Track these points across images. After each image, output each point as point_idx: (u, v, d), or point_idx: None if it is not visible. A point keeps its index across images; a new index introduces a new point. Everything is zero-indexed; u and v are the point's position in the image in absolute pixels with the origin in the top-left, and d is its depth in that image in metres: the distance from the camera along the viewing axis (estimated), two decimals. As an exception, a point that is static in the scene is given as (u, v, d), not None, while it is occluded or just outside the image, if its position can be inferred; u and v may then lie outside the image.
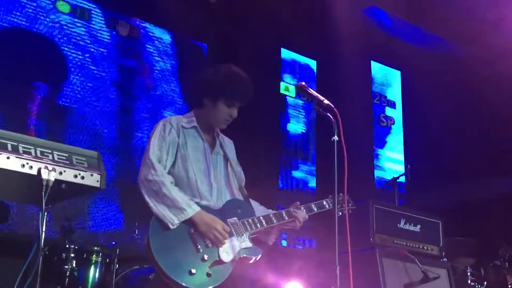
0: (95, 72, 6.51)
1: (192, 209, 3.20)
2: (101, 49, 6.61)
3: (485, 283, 5.63)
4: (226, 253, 3.23)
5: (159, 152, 3.32)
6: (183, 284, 3.08)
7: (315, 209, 3.66)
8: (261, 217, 3.44)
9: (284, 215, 3.51)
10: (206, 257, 3.18)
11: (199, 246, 3.19)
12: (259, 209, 3.60)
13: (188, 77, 7.04)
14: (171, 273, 3.07)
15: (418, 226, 5.11)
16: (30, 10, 6.14)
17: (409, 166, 6.12)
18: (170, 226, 3.16)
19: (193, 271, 3.11)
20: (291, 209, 3.55)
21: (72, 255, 4.85)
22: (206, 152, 3.46)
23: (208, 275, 3.15)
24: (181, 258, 3.13)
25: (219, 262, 3.20)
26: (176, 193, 3.22)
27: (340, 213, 3.45)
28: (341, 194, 3.51)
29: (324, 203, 3.70)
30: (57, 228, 5.35)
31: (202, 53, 7.54)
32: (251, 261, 3.34)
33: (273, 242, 3.60)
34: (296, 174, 8.14)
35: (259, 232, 3.44)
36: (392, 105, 9.44)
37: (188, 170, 3.35)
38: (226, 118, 3.47)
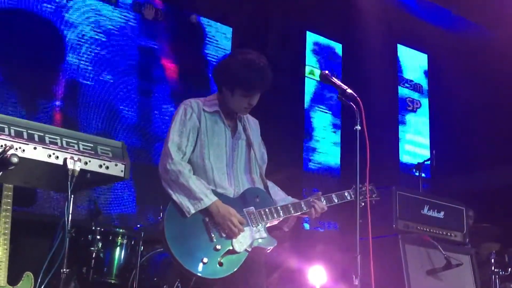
0: (117, 53, 6.56)
1: (208, 199, 3.19)
2: (127, 31, 6.65)
3: (510, 269, 5.59)
4: (239, 243, 3.22)
5: (179, 139, 3.30)
6: (194, 273, 3.10)
7: (336, 200, 3.58)
8: (278, 207, 3.40)
9: (302, 206, 3.46)
10: (219, 246, 3.17)
11: (213, 236, 3.19)
12: (279, 194, 3.56)
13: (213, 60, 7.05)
14: (183, 261, 3.10)
15: (442, 213, 5.08)
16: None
17: (434, 151, 6.06)
18: (187, 214, 3.17)
19: (205, 260, 3.12)
20: (311, 200, 3.49)
21: (98, 237, 4.94)
22: (227, 137, 3.43)
23: (220, 264, 3.16)
24: (194, 246, 3.14)
25: (232, 251, 3.20)
26: (194, 181, 3.21)
27: (363, 204, 3.41)
28: (364, 185, 3.46)
29: (346, 194, 3.61)
30: (83, 210, 5.44)
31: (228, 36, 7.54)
32: (266, 251, 3.33)
33: (289, 228, 3.56)
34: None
35: (277, 222, 3.42)
36: (419, 88, 9.36)
37: (204, 158, 3.33)
38: (245, 106, 3.42)
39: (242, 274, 3.20)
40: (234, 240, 3.21)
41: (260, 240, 3.29)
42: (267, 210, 3.36)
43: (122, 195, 6.29)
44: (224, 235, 3.21)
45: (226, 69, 3.41)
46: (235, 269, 3.19)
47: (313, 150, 8.09)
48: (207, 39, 7.29)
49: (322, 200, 3.53)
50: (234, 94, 3.37)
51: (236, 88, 3.35)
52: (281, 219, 3.42)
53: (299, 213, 3.46)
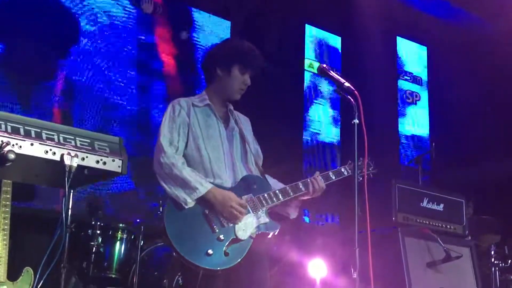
0: (116, 47, 6.55)
1: (204, 187, 3.20)
2: (125, 25, 6.64)
3: (510, 261, 5.59)
4: (242, 230, 3.22)
5: (169, 135, 3.32)
6: (202, 266, 3.10)
7: (333, 177, 3.59)
8: (277, 191, 3.41)
9: (300, 186, 3.46)
10: (222, 236, 3.18)
11: (215, 226, 3.19)
12: (278, 185, 3.54)
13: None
14: (189, 256, 3.10)
15: (441, 205, 5.08)
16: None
17: (434, 143, 6.06)
18: (184, 206, 3.17)
19: (210, 252, 3.12)
20: (308, 179, 3.50)
21: (98, 231, 4.95)
22: (220, 129, 3.45)
23: (226, 254, 3.16)
24: (197, 240, 3.14)
25: (236, 240, 3.20)
26: (188, 172, 3.22)
27: (361, 178, 3.35)
28: (361, 159, 3.40)
29: (343, 170, 3.63)
30: (83, 204, 5.45)
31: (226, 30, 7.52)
32: (269, 236, 3.33)
33: (295, 216, 3.56)
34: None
35: (276, 206, 3.42)
36: (418, 81, 9.35)
37: (201, 149, 3.34)
38: (241, 86, 3.47)
39: (245, 267, 3.21)
40: (236, 228, 3.21)
41: (263, 226, 3.30)
42: (265, 195, 3.37)
43: (122, 188, 6.29)
44: (225, 225, 3.21)
45: (221, 49, 3.52)
46: (242, 257, 3.19)
47: (313, 143, 8.09)
48: (206, 33, 7.28)
49: (320, 178, 3.52)
50: (231, 72, 3.43)
51: (233, 64, 3.43)
52: (280, 202, 3.40)
53: (298, 194, 3.45)
